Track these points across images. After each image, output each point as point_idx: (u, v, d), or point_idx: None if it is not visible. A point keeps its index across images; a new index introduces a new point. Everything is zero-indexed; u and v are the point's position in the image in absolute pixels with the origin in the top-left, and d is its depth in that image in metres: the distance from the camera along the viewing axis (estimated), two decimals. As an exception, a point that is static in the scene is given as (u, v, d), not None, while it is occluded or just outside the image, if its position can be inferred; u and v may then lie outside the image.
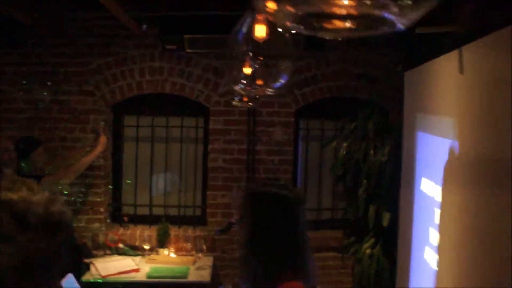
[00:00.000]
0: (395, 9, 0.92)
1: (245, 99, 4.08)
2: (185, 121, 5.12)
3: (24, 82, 4.78)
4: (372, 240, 4.48)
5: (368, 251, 4.46)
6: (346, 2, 0.92)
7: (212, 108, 4.89)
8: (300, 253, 1.82)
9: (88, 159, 4.33)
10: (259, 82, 2.81)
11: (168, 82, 4.88)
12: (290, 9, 0.93)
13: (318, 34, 0.95)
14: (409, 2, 0.90)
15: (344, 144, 4.56)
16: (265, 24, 2.59)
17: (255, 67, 2.75)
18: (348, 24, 0.92)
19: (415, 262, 3.45)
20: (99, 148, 4.41)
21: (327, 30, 0.96)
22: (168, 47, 4.63)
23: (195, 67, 4.85)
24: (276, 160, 4.91)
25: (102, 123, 4.83)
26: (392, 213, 4.18)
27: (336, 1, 0.91)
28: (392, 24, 0.94)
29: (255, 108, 4.82)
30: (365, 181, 4.38)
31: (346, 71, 4.88)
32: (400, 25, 0.96)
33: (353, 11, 0.94)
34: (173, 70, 4.86)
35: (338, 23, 0.95)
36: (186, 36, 4.44)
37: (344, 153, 4.54)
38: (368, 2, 0.93)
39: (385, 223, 4.25)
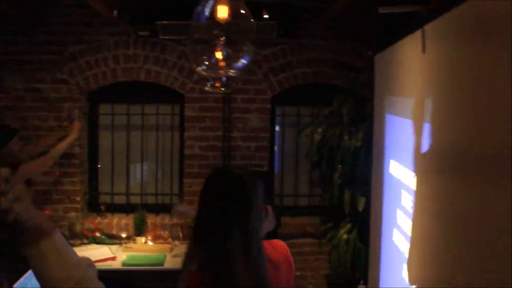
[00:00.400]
0: None
1: (217, 84, 4.05)
2: (160, 108, 5.09)
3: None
4: (349, 226, 4.47)
5: (344, 236, 4.45)
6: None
7: (187, 95, 4.86)
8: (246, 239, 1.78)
9: (63, 145, 4.26)
10: (221, 63, 2.79)
11: (143, 69, 4.84)
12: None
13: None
14: None
15: (319, 130, 4.54)
16: (227, 5, 2.57)
17: (217, 49, 2.72)
18: None
19: (385, 244, 3.45)
20: (74, 135, 4.35)
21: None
22: (141, 33, 4.60)
23: (170, 54, 4.81)
24: (252, 146, 4.89)
25: (77, 110, 4.79)
26: (367, 198, 4.17)
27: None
28: None
29: (230, 95, 4.80)
30: (340, 166, 4.36)
31: (322, 58, 4.86)
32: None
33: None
34: (147, 57, 4.82)
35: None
36: (158, 22, 4.40)
37: (319, 138, 4.53)
38: None
39: (360, 208, 4.24)
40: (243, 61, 2.76)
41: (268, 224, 3.28)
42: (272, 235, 3.38)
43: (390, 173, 3.29)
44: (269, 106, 4.90)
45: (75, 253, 1.23)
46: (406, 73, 2.95)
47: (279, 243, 2.00)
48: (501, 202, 1.66)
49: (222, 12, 2.57)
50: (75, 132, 4.34)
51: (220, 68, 2.84)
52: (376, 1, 4.12)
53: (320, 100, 4.77)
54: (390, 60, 3.32)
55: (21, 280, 3.21)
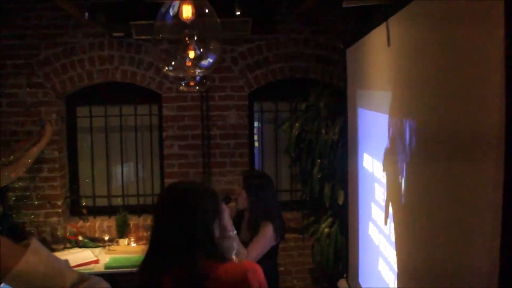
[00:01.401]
0: None
1: (191, 83, 4.04)
2: (138, 109, 5.06)
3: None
4: (330, 220, 4.47)
5: (326, 230, 4.45)
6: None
7: (165, 94, 4.84)
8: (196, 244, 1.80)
9: (34, 151, 4.21)
10: (188, 63, 2.77)
11: (118, 70, 4.81)
12: None
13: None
14: None
15: (297, 125, 4.53)
16: (191, 5, 2.55)
17: (183, 49, 2.71)
18: None
19: (362, 238, 3.45)
20: (45, 139, 4.32)
21: None
22: (115, 34, 4.56)
23: (145, 54, 4.78)
24: (231, 144, 4.88)
25: (54, 115, 4.75)
26: (346, 191, 4.17)
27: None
28: None
29: (208, 93, 4.78)
30: (318, 160, 4.36)
31: (298, 52, 4.84)
32: None
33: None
34: (123, 58, 4.79)
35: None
36: (132, 22, 4.37)
37: (297, 133, 4.52)
38: None
39: (340, 201, 4.24)
40: (210, 60, 2.75)
41: (265, 241, 3.22)
42: (274, 249, 3.32)
43: (364, 167, 3.29)
44: (246, 102, 4.88)
45: (60, 267, 1.16)
46: (373, 66, 2.95)
47: (239, 268, 1.89)
48: (471, 192, 1.67)
49: (187, 11, 2.55)
50: (46, 136, 4.31)
51: (187, 68, 2.82)
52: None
53: (297, 95, 4.75)
54: (359, 54, 3.32)
55: None
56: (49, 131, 4.31)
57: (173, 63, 2.79)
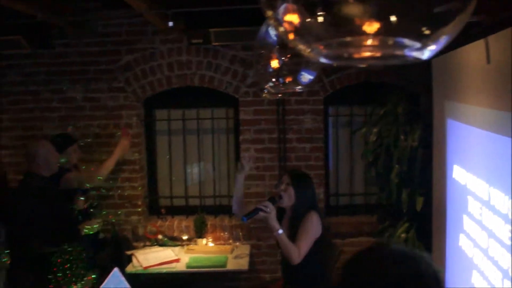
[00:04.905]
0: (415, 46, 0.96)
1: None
2: (215, 112, 5.19)
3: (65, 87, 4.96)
4: (406, 225, 4.47)
5: (403, 235, 4.47)
6: (369, 42, 0.97)
7: (241, 98, 4.94)
8: None
9: (108, 164, 4.50)
10: (288, 79, 2.84)
11: (196, 75, 4.94)
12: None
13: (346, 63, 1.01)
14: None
15: (374, 130, 4.54)
16: (296, 14, 2.61)
17: (283, 64, 2.77)
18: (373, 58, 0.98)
19: (450, 249, 3.46)
20: (117, 152, 4.55)
21: (354, 59, 1.02)
22: (195, 41, 4.68)
23: (222, 59, 4.90)
24: (307, 148, 4.95)
25: (135, 118, 4.95)
26: (425, 198, 4.18)
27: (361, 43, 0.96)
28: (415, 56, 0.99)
29: (284, 97, 4.86)
30: (396, 166, 4.37)
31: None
32: (423, 57, 1.00)
33: (376, 53, 0.99)
34: (200, 63, 4.92)
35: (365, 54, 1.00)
36: (211, 29, 4.48)
37: (375, 139, 4.53)
38: (391, 42, 0.97)
39: (418, 207, 4.25)
40: (309, 77, 2.81)
41: (311, 229, 3.34)
42: (320, 243, 3.43)
43: (453, 178, 3.30)
44: (322, 107, 4.93)
45: None
46: (469, 80, 2.95)
47: None
48: None
49: (290, 18, 2.61)
50: (118, 150, 4.53)
51: (286, 84, 2.89)
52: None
53: (371, 99, 4.74)
54: (450, 66, 3.32)
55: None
56: (124, 144, 4.55)
57: (273, 80, 2.88)
